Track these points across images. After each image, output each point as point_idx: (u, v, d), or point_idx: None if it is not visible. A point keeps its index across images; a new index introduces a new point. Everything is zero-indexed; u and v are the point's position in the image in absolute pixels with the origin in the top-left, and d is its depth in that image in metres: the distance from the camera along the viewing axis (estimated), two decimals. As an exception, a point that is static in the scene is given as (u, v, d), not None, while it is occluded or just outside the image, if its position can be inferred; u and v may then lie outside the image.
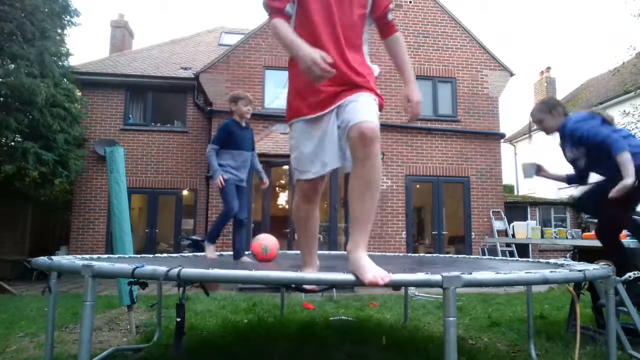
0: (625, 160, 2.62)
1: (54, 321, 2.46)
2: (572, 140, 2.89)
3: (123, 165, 3.93)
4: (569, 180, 3.21)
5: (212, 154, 3.36)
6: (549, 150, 18.71)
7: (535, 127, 3.27)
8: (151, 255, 3.80)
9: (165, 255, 4.04)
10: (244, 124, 3.50)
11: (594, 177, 3.03)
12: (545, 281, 1.93)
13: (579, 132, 2.85)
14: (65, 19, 9.29)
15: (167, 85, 11.11)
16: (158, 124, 11.18)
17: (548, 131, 3.07)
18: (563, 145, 3.02)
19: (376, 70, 1.82)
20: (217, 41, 13.91)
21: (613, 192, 2.61)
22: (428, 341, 3.40)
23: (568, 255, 6.24)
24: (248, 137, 3.55)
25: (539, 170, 3.26)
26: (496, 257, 4.72)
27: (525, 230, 10.54)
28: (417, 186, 10.58)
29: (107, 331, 3.90)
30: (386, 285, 1.56)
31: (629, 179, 2.56)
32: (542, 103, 3.14)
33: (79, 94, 10.47)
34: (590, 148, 2.82)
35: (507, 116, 40.27)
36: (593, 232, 3.86)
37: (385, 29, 1.89)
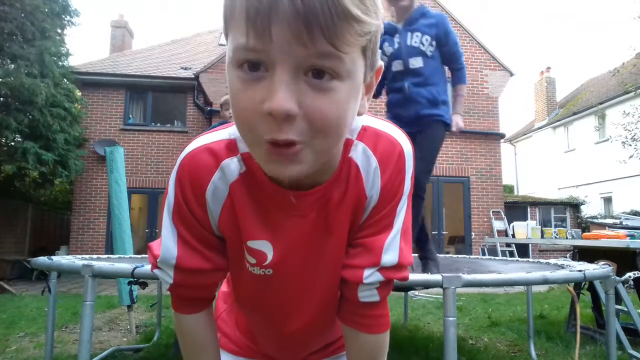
0: (464, 93, 2.64)
1: (54, 321, 2.46)
2: (435, 30, 2.33)
3: (123, 165, 3.94)
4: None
5: None
6: (547, 150, 18.63)
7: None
8: (151, 255, 3.80)
9: (165, 255, 4.04)
10: None
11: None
12: (545, 281, 1.93)
13: (448, 27, 2.36)
14: (65, 19, 9.28)
15: (167, 85, 11.10)
16: (158, 124, 11.17)
17: (405, 9, 2.33)
18: (403, 31, 2.36)
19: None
20: (217, 41, 13.89)
21: (457, 127, 2.52)
22: (428, 341, 3.40)
23: (568, 255, 6.24)
24: None
25: None
26: (496, 257, 4.72)
27: (525, 230, 10.55)
28: (417, 186, 10.57)
29: (107, 331, 3.90)
30: None
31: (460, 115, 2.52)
32: None
33: (79, 94, 10.47)
34: (442, 53, 2.38)
35: (507, 116, 40.35)
36: (593, 232, 3.87)
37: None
